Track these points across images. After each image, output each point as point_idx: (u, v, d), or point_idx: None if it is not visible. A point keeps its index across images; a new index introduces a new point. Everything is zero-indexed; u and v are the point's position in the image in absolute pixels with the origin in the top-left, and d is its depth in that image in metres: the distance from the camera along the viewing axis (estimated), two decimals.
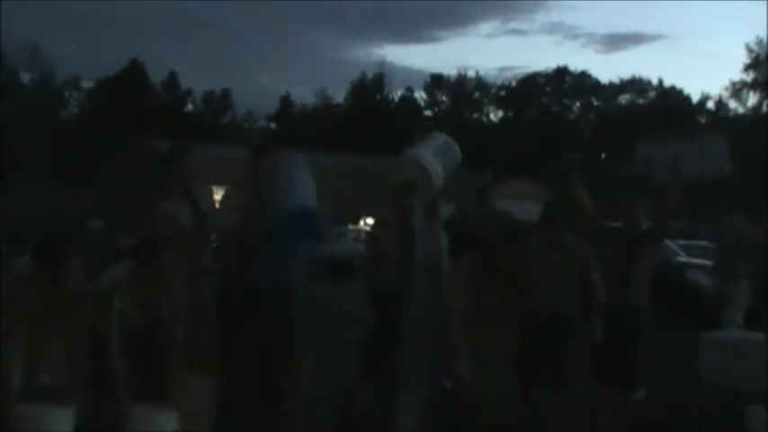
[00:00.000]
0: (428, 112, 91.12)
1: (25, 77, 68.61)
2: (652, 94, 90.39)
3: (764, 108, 78.83)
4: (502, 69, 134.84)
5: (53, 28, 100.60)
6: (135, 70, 79.71)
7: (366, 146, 55.26)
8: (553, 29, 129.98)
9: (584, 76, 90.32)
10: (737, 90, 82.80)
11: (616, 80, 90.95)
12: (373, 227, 8.00)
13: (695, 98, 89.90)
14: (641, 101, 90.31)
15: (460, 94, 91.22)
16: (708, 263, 17.28)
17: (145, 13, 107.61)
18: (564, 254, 7.28)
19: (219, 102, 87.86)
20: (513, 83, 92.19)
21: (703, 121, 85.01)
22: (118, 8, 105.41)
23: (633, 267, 7.40)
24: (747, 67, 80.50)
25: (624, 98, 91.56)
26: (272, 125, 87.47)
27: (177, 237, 6.94)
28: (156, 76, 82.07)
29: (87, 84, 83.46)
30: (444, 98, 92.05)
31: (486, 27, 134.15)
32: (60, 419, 5.91)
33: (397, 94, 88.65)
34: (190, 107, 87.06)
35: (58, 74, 76.88)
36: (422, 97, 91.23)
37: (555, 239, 7.34)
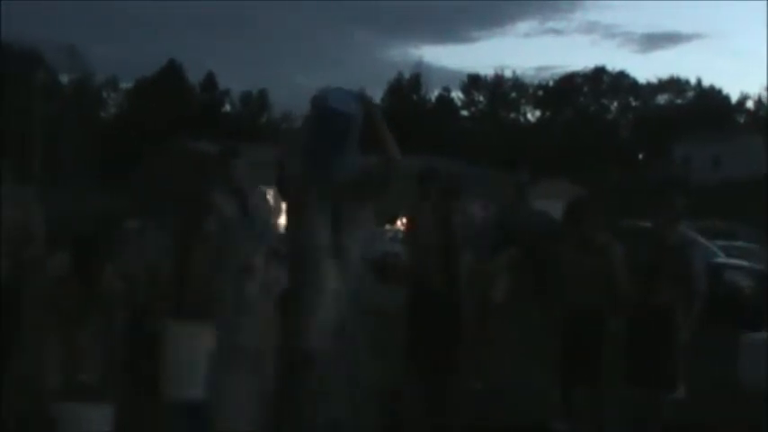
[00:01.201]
0: (465, 112, 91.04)
1: (64, 78, 69.11)
2: (690, 94, 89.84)
3: None
4: (539, 69, 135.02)
5: (91, 29, 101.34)
6: (173, 71, 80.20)
7: (403, 146, 55.09)
8: (590, 28, 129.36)
9: (621, 75, 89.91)
10: None
11: (654, 80, 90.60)
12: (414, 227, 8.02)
13: (734, 98, 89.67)
14: (679, 101, 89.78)
15: (497, 93, 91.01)
16: (746, 264, 17.13)
17: (182, 13, 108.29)
18: (591, 251, 7.30)
19: (257, 102, 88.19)
20: (551, 83, 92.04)
21: (742, 120, 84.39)
22: (155, 9, 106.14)
23: (661, 267, 7.35)
24: None
25: (662, 98, 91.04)
26: None
27: (219, 236, 6.98)
28: (194, 76, 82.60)
29: (126, 85, 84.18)
30: (481, 98, 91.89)
31: (523, 27, 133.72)
32: (99, 418, 5.95)
33: (434, 94, 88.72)
34: (227, 107, 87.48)
35: (97, 75, 77.51)
36: (459, 97, 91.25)
37: (582, 237, 7.37)
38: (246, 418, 6.01)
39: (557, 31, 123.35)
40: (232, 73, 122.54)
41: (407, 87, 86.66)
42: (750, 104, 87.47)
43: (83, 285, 6.47)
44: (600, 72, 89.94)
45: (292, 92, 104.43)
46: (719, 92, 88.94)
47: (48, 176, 40.51)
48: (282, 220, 6.62)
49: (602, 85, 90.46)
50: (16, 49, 55.42)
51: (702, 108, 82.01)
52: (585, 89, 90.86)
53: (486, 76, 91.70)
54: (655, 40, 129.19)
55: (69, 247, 6.63)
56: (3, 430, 6.32)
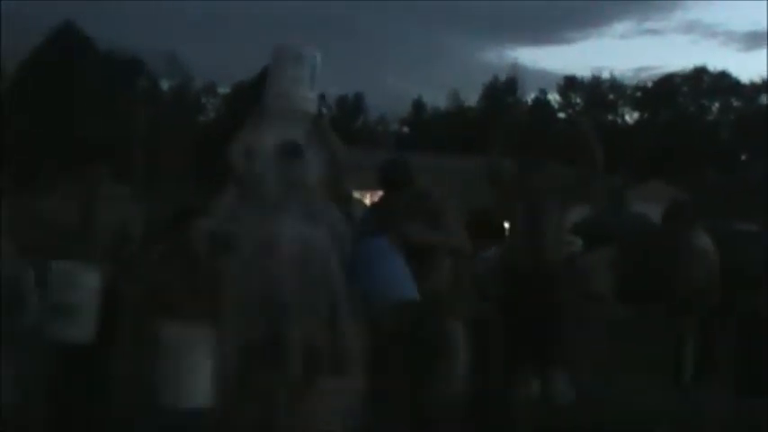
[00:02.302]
0: (562, 114, 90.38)
1: (165, 85, 70.51)
2: None
3: None
4: (637, 70, 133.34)
5: (191, 35, 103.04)
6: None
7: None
8: (690, 27, 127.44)
9: (723, 75, 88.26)
10: None
11: (757, 79, 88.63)
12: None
13: None
14: None
15: (595, 95, 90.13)
16: None
17: (277, 18, 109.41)
18: (681, 249, 7.28)
19: (352, 105, 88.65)
20: (650, 84, 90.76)
21: None
22: (251, 14, 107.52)
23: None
24: None
25: (766, 98, 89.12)
26: (405, 129, 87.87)
27: None
28: None
29: (223, 90, 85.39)
30: (578, 100, 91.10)
31: (620, 27, 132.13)
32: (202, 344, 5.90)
33: (531, 96, 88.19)
34: (323, 111, 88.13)
35: (196, 80, 78.79)
36: (555, 99, 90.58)
37: (676, 238, 7.37)
38: None
39: (655, 32, 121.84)
40: (327, 76, 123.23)
41: (503, 90, 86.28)
42: None
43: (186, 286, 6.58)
44: (700, 72, 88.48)
45: (388, 95, 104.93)
46: None
47: (149, 180, 41.31)
48: None
49: (702, 85, 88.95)
50: (120, 57, 56.81)
51: None
52: (685, 89, 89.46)
53: (582, 78, 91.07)
54: (758, 39, 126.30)
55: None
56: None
